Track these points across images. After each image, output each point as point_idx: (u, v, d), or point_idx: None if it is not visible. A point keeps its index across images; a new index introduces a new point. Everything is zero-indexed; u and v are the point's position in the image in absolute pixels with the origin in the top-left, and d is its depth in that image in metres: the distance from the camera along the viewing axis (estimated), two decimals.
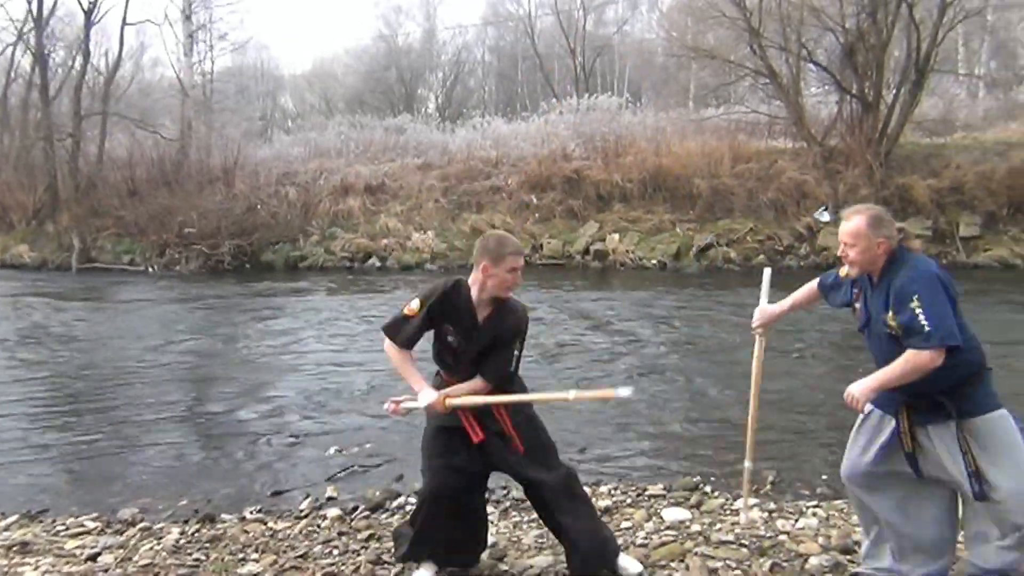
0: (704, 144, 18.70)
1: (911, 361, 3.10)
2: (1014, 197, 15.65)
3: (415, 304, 3.63)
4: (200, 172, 21.27)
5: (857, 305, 3.48)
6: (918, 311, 3.08)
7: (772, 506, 4.88)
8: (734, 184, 17.47)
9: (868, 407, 3.41)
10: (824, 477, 5.56)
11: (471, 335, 3.64)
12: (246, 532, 4.80)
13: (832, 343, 10.02)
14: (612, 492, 5.27)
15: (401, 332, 3.65)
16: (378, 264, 18.40)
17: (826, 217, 16.54)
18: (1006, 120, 18.99)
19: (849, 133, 17.55)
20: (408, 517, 4.06)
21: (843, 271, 3.47)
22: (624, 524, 4.61)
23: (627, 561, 3.81)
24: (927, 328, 3.05)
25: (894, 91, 17.33)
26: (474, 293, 3.65)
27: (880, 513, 3.50)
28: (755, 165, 17.77)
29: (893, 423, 3.36)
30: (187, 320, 12.92)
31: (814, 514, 4.70)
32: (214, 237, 18.74)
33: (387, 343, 3.70)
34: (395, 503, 5.21)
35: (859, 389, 3.23)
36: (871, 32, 17.07)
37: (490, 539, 4.17)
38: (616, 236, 17.40)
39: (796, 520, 4.59)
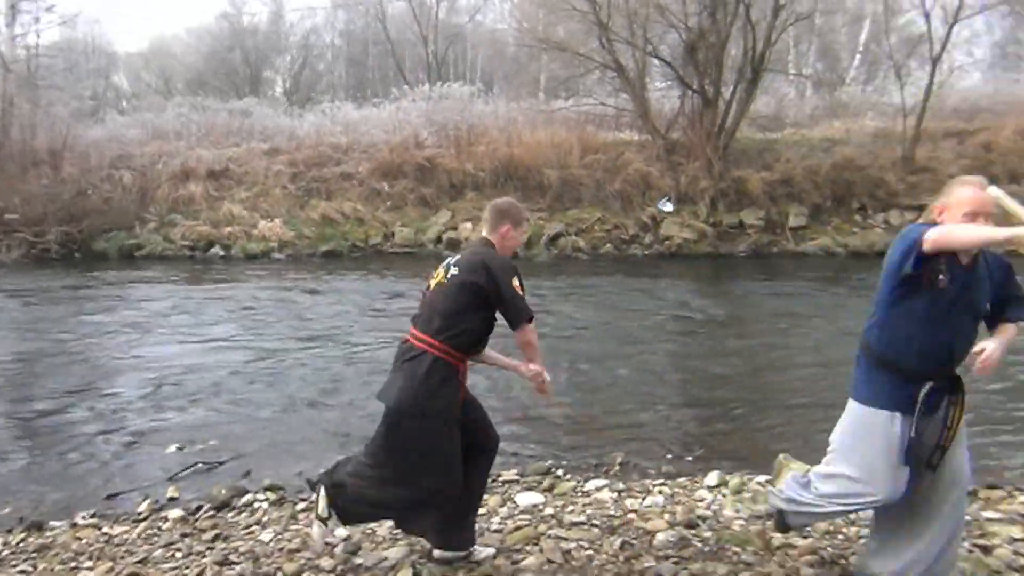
0: (554, 135, 19.02)
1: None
2: (837, 190, 16.82)
3: (517, 281, 3.59)
4: (23, 153, 19.67)
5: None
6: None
7: (621, 486, 5.01)
8: (583, 175, 17.88)
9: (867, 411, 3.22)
10: (668, 456, 5.78)
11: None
12: (78, 539, 4.50)
13: (669, 329, 10.44)
14: None
15: None
16: (222, 253, 17.64)
17: (668, 207, 17.21)
18: (831, 118, 20.35)
19: (690, 127, 18.31)
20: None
21: None
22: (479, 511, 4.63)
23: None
24: None
25: (732, 88, 18.20)
26: None
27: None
28: (603, 156, 18.25)
29: (898, 423, 3.13)
30: (7, 314, 11.95)
31: (660, 492, 4.87)
32: (39, 224, 17.43)
33: (532, 326, 3.64)
34: (243, 500, 5.01)
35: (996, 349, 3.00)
36: (711, 31, 17.87)
37: (343, 532, 4.09)
38: (469, 225, 17.44)
39: (643, 499, 4.74)
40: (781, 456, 4.88)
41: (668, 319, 10.81)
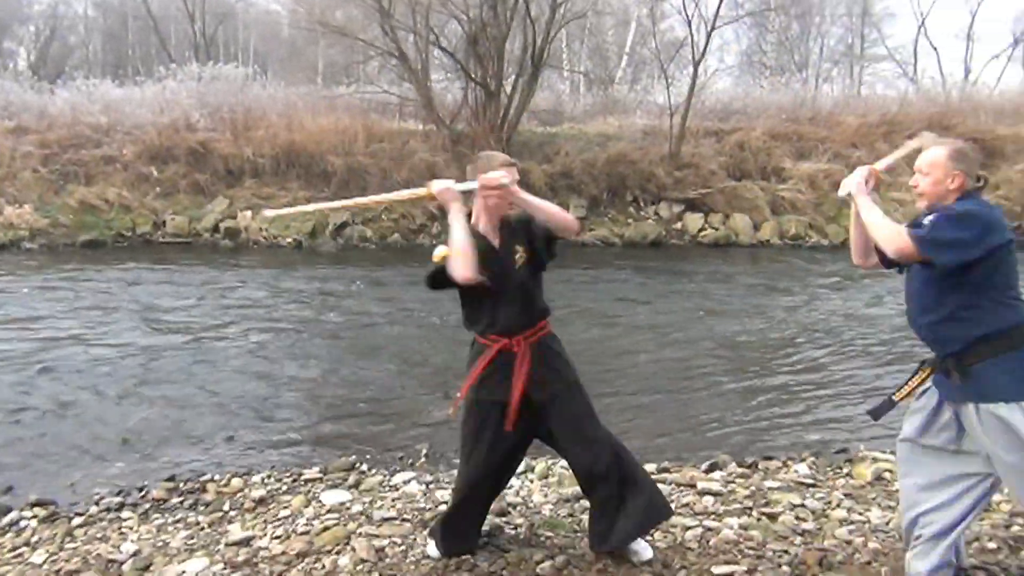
0: (337, 121, 18.56)
1: (889, 232, 2.95)
2: (612, 183, 17.70)
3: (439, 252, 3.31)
4: None
5: None
6: (934, 219, 2.94)
7: (429, 478, 4.95)
8: (369, 163, 17.59)
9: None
10: None
11: (505, 267, 3.34)
12: None
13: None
14: (265, 481, 5.00)
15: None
16: None
17: None
18: (605, 115, 21.38)
19: (474, 119, 18.55)
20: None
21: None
22: (283, 513, 4.39)
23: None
24: (931, 230, 2.90)
25: (513, 81, 18.62)
26: (481, 226, 3.36)
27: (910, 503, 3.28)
28: (388, 145, 18.05)
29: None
30: None
31: None
32: None
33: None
34: (6, 519, 4.44)
35: (853, 179, 3.12)
36: (492, 24, 18.19)
37: (132, 547, 3.73)
38: (248, 213, 16.64)
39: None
40: None
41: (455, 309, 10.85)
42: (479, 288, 3.22)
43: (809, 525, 4.03)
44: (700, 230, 17.21)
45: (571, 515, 4.21)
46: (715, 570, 3.54)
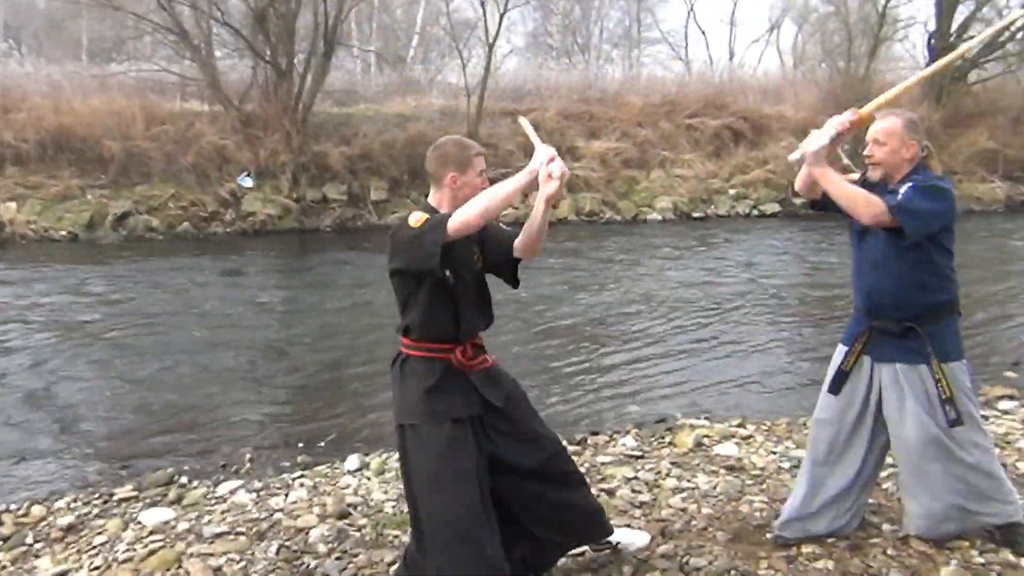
0: (112, 102, 17.08)
1: (867, 201, 3.02)
2: (413, 164, 17.49)
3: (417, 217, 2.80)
4: None
5: None
6: (909, 190, 3.05)
7: (258, 485, 4.71)
8: (150, 147, 16.34)
9: (841, 349, 3.40)
10: (300, 445, 5.56)
11: (470, 266, 2.97)
12: None
13: (259, 311, 10.08)
14: (72, 505, 4.55)
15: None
16: None
17: (248, 183, 16.52)
18: (402, 95, 21.10)
19: (265, 99, 17.71)
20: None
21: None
22: (98, 540, 4.01)
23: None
24: (904, 200, 3.02)
25: (306, 60, 17.94)
26: (445, 211, 2.86)
27: (814, 473, 3.47)
28: (171, 127, 16.84)
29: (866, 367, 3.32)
30: None
31: (302, 485, 4.66)
32: None
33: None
34: None
35: (809, 142, 3.19)
36: (281, 1, 17.41)
37: None
38: (13, 204, 14.98)
39: (286, 495, 4.49)
40: None
41: (255, 301, 10.35)
42: (445, 285, 2.85)
43: (645, 497, 4.20)
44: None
45: None
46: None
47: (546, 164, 2.66)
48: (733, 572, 3.33)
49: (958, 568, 3.20)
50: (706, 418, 5.82)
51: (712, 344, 8.13)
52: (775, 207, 18.09)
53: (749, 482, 4.35)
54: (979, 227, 15.56)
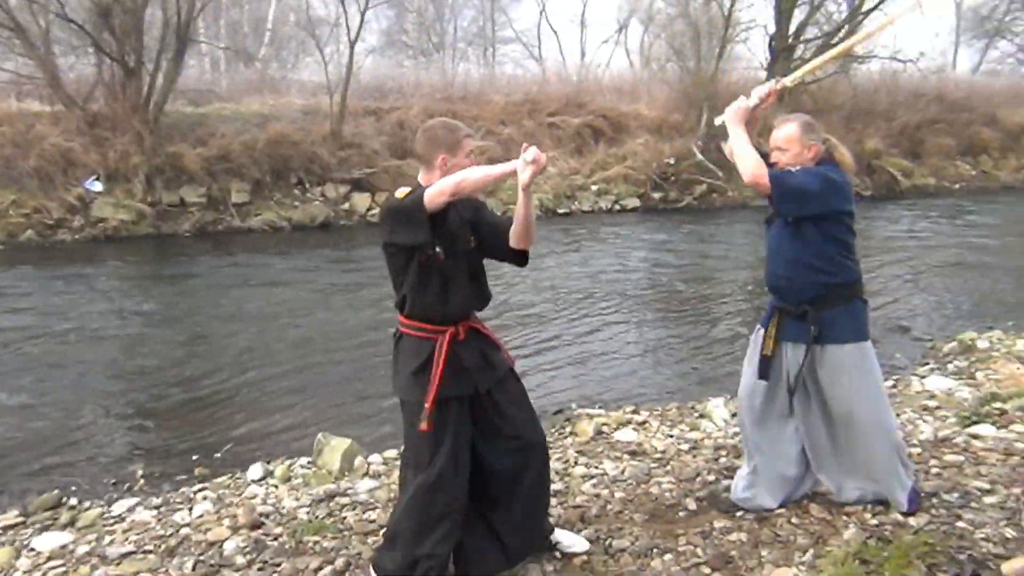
0: None
1: (754, 164, 3.30)
2: (275, 165, 17.04)
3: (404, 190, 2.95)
4: None
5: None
6: (797, 174, 3.32)
7: (157, 501, 4.52)
8: None
9: (758, 327, 3.65)
10: (195, 457, 5.36)
11: (463, 244, 3.06)
12: None
13: (122, 320, 9.59)
14: None
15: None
16: None
17: (97, 187, 15.57)
18: (260, 93, 20.45)
19: (113, 98, 16.75)
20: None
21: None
22: None
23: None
24: (784, 176, 3.31)
25: (155, 58, 17.10)
26: None
27: (755, 443, 3.71)
28: (9, 129, 15.65)
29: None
30: None
31: (205, 498, 4.51)
32: None
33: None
34: None
35: (729, 113, 3.45)
36: None
37: None
38: None
39: (191, 509, 4.33)
40: (321, 434, 4.91)
41: (117, 311, 9.80)
42: (433, 262, 2.96)
43: (558, 486, 4.31)
44: (368, 209, 17.25)
45: (331, 514, 4.10)
46: None
47: (524, 153, 2.74)
48: (655, 550, 3.49)
49: (857, 530, 3.48)
50: (601, 407, 6.01)
51: (593, 337, 8.38)
52: (635, 202, 18.70)
53: (654, 465, 4.55)
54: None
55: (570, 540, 3.53)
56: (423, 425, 2.97)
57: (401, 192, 2.92)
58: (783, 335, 3.54)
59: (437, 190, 2.79)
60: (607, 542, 3.57)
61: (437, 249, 2.94)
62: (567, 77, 24.55)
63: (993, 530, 3.40)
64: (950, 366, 6.70)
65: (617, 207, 18.57)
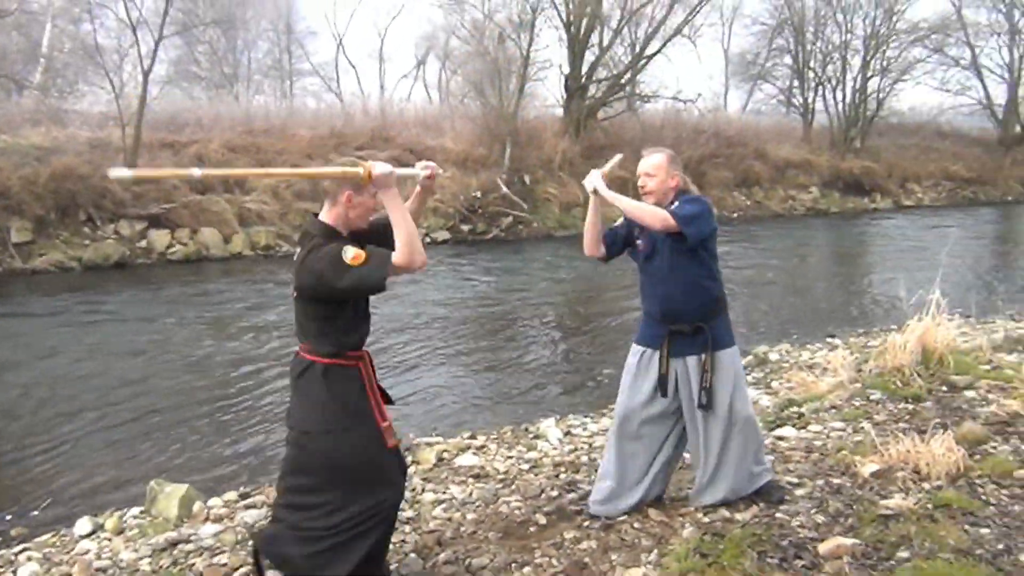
0: None
1: (655, 212, 3.67)
2: (60, 201, 15.84)
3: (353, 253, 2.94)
4: None
5: (640, 241, 3.93)
6: (680, 204, 3.71)
7: None
8: None
9: (638, 348, 3.98)
10: (9, 517, 4.94)
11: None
12: None
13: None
14: None
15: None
16: None
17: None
18: (39, 124, 18.94)
19: None
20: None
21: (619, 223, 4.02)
22: None
23: None
24: (678, 210, 3.67)
25: None
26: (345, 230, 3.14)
27: (620, 458, 4.00)
28: None
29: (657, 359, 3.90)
30: None
31: (29, 559, 4.20)
32: None
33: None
34: None
35: (595, 178, 3.90)
36: None
37: None
38: None
39: (15, 572, 4.02)
40: (153, 482, 4.73)
41: None
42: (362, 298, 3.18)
43: (409, 513, 4.38)
44: (168, 247, 16.43)
45: (175, 563, 3.95)
46: None
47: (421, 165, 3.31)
48: (514, 564, 3.65)
49: (693, 528, 3.81)
50: (439, 435, 6.12)
51: (420, 369, 8.46)
52: (445, 234, 19.01)
53: (499, 486, 4.72)
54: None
55: None
56: (391, 442, 3.28)
57: (351, 255, 2.92)
58: (675, 352, 3.87)
59: (418, 261, 2.96)
60: (466, 562, 3.69)
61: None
62: (371, 111, 24.60)
63: (806, 518, 3.83)
64: (749, 378, 7.37)
65: (428, 240, 18.78)
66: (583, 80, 23.66)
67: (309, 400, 3.16)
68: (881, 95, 31.00)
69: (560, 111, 24.23)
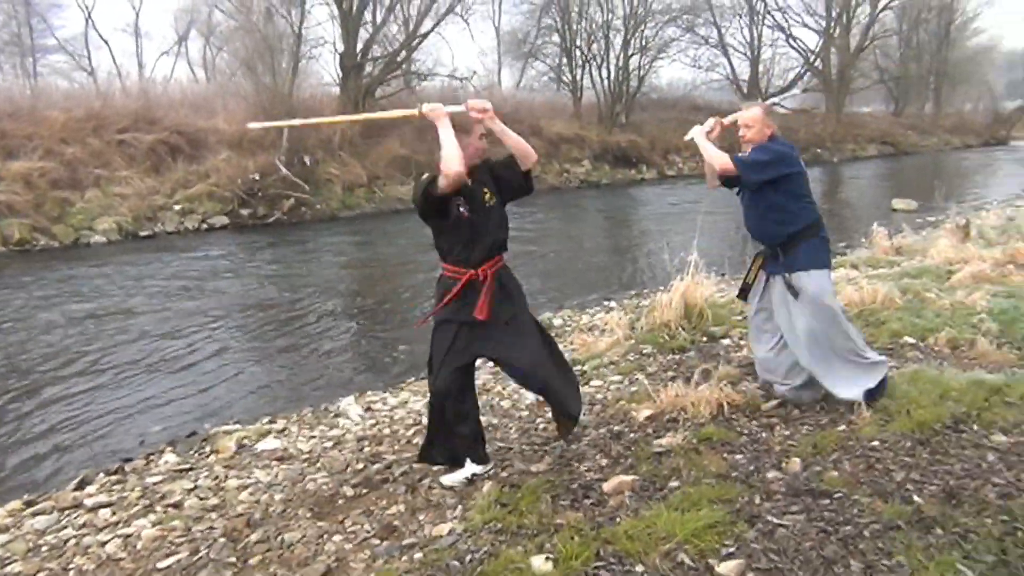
0: None
1: (721, 158, 4.52)
2: None
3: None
4: None
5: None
6: (751, 151, 4.51)
7: None
8: None
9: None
10: None
11: (478, 203, 3.97)
12: None
13: None
14: None
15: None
16: None
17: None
18: None
19: None
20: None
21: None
22: None
23: None
24: (745, 156, 4.49)
25: None
26: None
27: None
28: None
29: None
30: None
31: None
32: None
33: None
34: None
35: (695, 131, 4.76)
36: None
37: None
38: None
39: None
40: None
41: None
42: (458, 221, 3.89)
43: (214, 501, 4.39)
44: None
45: None
46: (160, 564, 3.68)
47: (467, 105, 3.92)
48: (326, 535, 3.78)
49: (493, 483, 4.10)
50: (237, 423, 6.06)
51: (214, 359, 8.20)
52: (224, 219, 18.27)
53: (304, 465, 4.81)
54: (407, 223, 17.87)
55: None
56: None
57: (425, 177, 3.95)
58: (768, 269, 4.67)
59: (453, 168, 3.73)
60: (279, 538, 3.77)
61: (461, 210, 3.89)
62: (134, 91, 23.03)
63: (592, 462, 4.25)
64: None
65: (205, 226, 18.01)
66: (358, 58, 23.47)
67: None
68: (642, 72, 33.09)
69: (337, 90, 23.91)
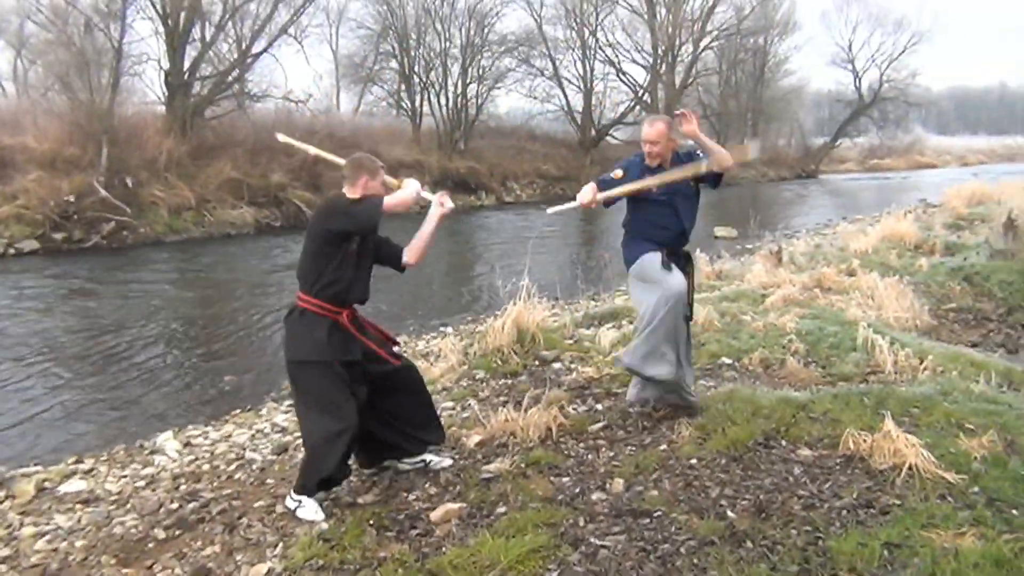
0: None
1: (726, 155, 4.64)
2: None
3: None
4: None
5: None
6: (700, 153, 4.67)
7: None
8: None
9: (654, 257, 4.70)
10: None
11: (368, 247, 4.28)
12: None
13: None
14: None
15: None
16: None
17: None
18: None
19: None
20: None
21: (616, 173, 4.78)
22: None
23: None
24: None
25: None
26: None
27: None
28: None
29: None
30: None
31: None
32: None
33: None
34: None
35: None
36: None
37: None
38: None
39: None
40: None
41: None
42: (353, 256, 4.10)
43: (5, 552, 4.00)
44: None
45: None
46: None
47: (437, 197, 4.38)
48: None
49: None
50: (38, 465, 5.57)
51: (13, 395, 7.55)
52: (34, 244, 16.91)
53: (112, 507, 4.47)
54: (238, 249, 17.24)
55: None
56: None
57: (352, 193, 4.16)
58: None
59: (396, 202, 4.12)
60: None
61: (356, 243, 4.08)
62: None
63: (421, 491, 4.18)
64: None
65: (12, 251, 16.63)
66: (186, 76, 22.49)
67: None
68: (479, 100, 33.55)
69: (162, 108, 22.78)
